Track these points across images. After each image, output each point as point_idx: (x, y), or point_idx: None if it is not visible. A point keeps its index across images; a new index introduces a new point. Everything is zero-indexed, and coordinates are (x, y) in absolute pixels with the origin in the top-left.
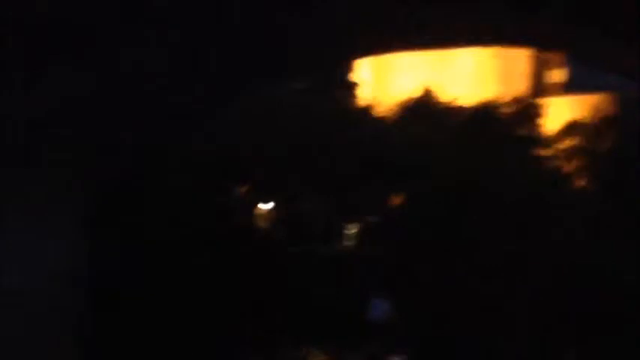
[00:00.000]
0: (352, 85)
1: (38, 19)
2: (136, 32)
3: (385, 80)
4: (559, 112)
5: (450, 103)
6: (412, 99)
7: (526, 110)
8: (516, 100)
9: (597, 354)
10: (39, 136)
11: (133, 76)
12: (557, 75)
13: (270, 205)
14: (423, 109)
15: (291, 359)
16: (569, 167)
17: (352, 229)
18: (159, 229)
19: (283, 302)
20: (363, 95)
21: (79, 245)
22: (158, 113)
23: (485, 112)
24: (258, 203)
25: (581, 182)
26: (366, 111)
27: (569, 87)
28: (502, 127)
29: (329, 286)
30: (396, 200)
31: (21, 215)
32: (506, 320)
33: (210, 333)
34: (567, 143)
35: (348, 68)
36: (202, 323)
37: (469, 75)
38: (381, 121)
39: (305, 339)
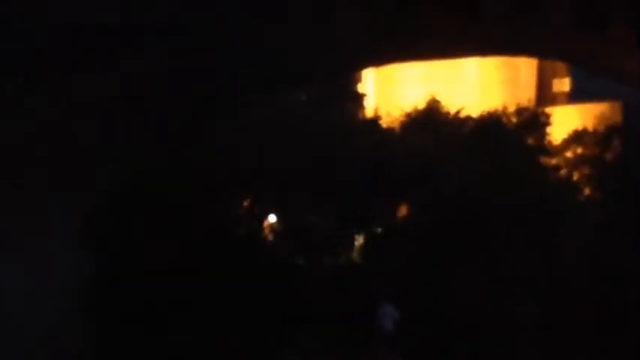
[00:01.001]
0: (358, 96)
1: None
2: (140, 44)
3: (390, 91)
4: (565, 121)
5: (455, 113)
6: (418, 110)
7: (532, 119)
8: (522, 110)
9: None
10: (42, 141)
11: (139, 87)
12: (563, 84)
13: (276, 217)
14: (429, 120)
15: None
16: (575, 176)
17: (358, 240)
18: (164, 242)
19: (291, 314)
20: (369, 106)
21: (83, 251)
22: (162, 126)
23: (491, 122)
24: (263, 216)
25: (587, 191)
26: (371, 122)
27: (574, 96)
28: (508, 136)
29: (336, 298)
30: (403, 211)
31: (24, 219)
32: (515, 328)
33: (215, 346)
34: (573, 152)
35: (353, 79)
36: (207, 336)
37: (475, 85)
38: (386, 132)
39: (313, 350)
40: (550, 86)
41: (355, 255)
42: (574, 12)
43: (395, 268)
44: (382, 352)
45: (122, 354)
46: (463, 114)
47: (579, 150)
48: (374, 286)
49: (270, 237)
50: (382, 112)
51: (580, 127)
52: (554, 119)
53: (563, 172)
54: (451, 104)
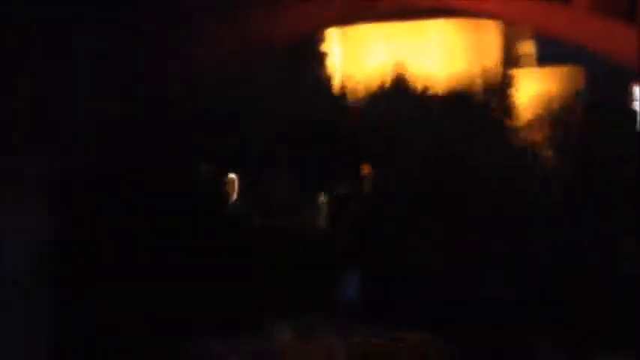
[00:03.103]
0: (321, 57)
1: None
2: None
3: (355, 52)
4: (529, 84)
5: (420, 75)
6: (381, 71)
7: (497, 81)
8: (487, 72)
9: (573, 330)
10: (14, 127)
11: (98, 66)
12: (527, 47)
13: (236, 177)
14: (393, 83)
15: (259, 335)
16: (538, 137)
17: (320, 203)
18: (123, 206)
19: (250, 277)
20: (332, 68)
21: (48, 231)
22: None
23: (455, 84)
24: (224, 177)
25: (549, 153)
26: (334, 84)
27: (538, 59)
28: (472, 98)
29: (296, 260)
30: (365, 174)
31: None
32: (478, 294)
33: (176, 308)
34: (537, 114)
35: (317, 40)
36: (167, 298)
37: (440, 47)
38: (350, 93)
39: (274, 315)
40: (515, 49)
41: (316, 218)
42: None
43: (357, 232)
44: (343, 319)
45: (86, 315)
46: (427, 76)
47: (542, 112)
48: (335, 251)
49: (231, 198)
50: (345, 74)
51: (543, 91)
52: (518, 82)
53: (525, 134)
54: (416, 66)
